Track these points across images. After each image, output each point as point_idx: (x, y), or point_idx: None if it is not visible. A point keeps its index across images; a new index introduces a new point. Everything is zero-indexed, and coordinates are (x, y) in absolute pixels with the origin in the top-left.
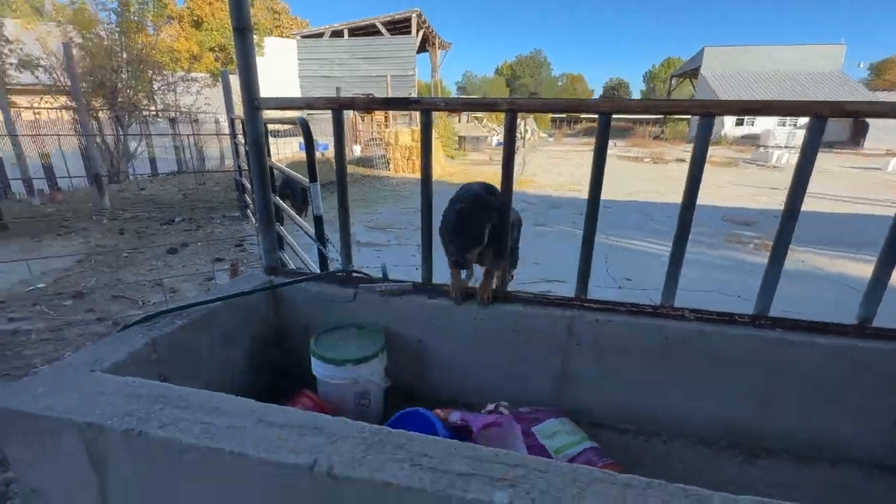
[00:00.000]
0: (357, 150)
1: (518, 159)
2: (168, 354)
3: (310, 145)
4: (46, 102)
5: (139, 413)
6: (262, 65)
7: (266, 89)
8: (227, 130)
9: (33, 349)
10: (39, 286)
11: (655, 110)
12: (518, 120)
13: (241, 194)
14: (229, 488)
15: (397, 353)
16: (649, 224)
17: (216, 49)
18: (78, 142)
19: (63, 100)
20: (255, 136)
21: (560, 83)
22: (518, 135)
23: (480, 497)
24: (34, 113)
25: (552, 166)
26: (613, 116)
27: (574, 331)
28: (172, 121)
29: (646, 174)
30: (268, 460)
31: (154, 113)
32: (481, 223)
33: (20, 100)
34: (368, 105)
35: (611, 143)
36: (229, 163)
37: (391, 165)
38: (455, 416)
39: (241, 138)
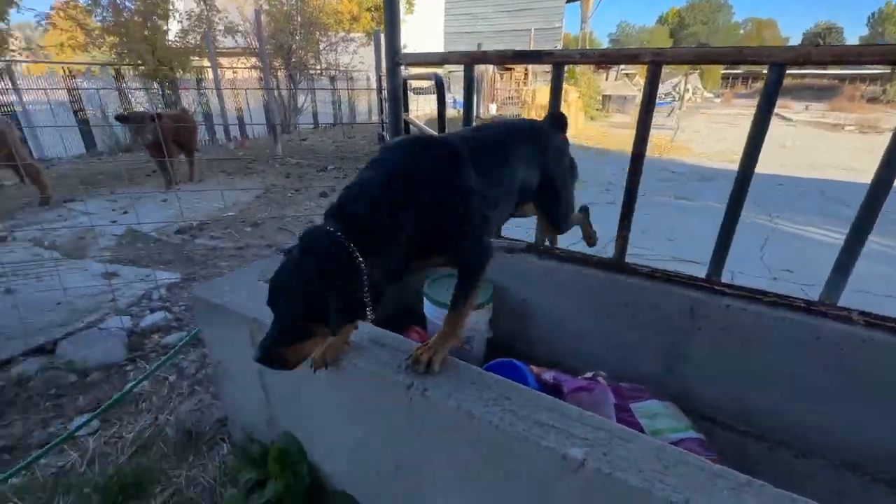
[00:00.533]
0: (493, 109)
1: (671, 122)
2: None
3: (441, 100)
4: (241, 63)
5: None
6: (413, 22)
7: (415, 47)
8: (375, 87)
9: (224, 262)
10: (230, 214)
11: (852, 58)
12: (678, 77)
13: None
14: (344, 388)
15: (503, 307)
16: (835, 208)
17: (372, 9)
18: (262, 97)
19: (253, 60)
20: (394, 91)
21: (742, 30)
22: (674, 94)
23: (556, 447)
24: (233, 72)
25: (713, 132)
26: (805, 71)
27: (697, 313)
28: (332, 78)
29: (847, 145)
30: (377, 372)
31: (318, 72)
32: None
33: (224, 61)
34: (500, 59)
35: (800, 105)
36: (376, 118)
37: None
38: (548, 375)
39: (386, 94)
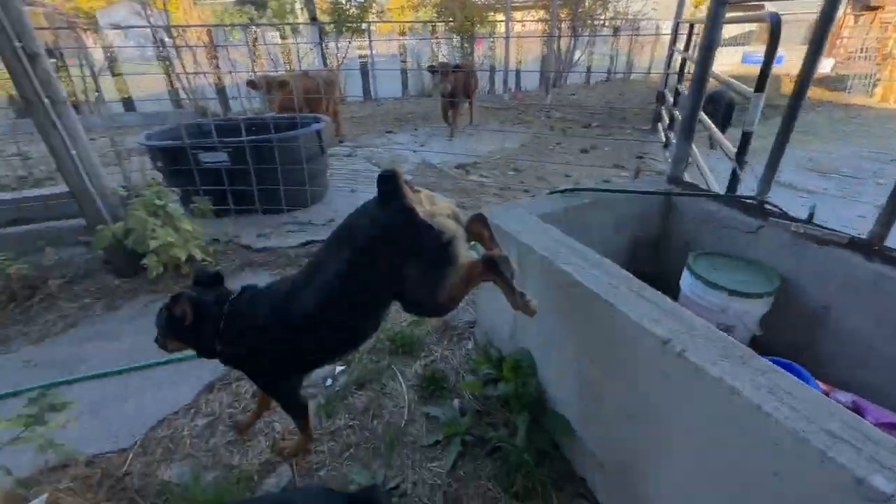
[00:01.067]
0: (826, 66)
1: None
2: (573, 219)
3: (773, 47)
4: (532, 16)
5: (552, 249)
6: None
7: None
8: (666, 38)
9: (489, 197)
10: (498, 157)
11: None
12: None
13: (659, 107)
14: (590, 327)
15: (789, 308)
16: None
17: None
18: (542, 49)
19: (542, 13)
20: (711, 37)
21: None
22: None
23: (848, 466)
24: (521, 25)
25: None
26: None
27: None
28: (616, 29)
29: None
30: (629, 317)
31: (602, 22)
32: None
33: (516, 14)
34: None
35: None
36: (655, 76)
37: (876, 90)
38: (844, 396)
39: (678, 46)
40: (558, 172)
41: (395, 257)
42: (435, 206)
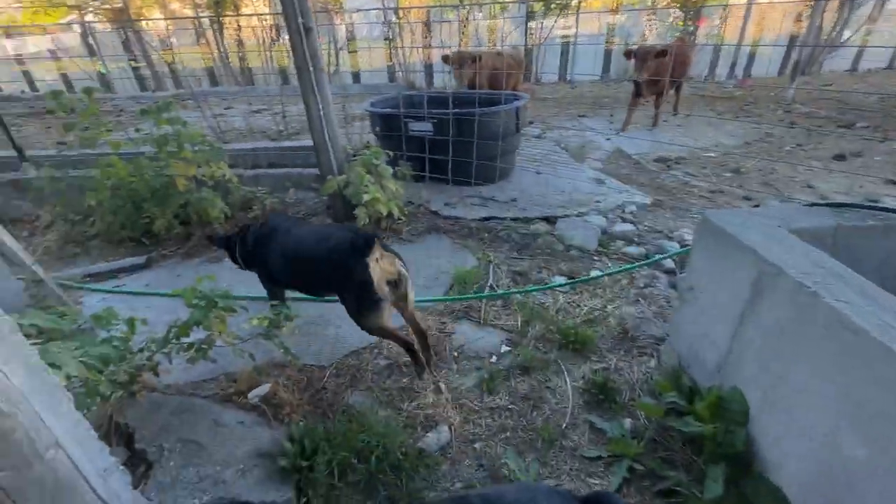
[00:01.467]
0: None
1: None
2: (839, 243)
3: None
4: None
5: (815, 276)
6: None
7: None
8: None
9: (694, 199)
10: (710, 154)
11: None
12: None
13: None
14: (876, 387)
15: None
16: None
17: None
18: (796, 25)
19: None
20: None
21: None
22: None
23: None
24: None
25: None
26: None
27: None
28: None
29: None
30: None
31: None
32: None
33: None
34: None
35: None
36: None
37: None
38: None
39: None
40: (795, 181)
41: (338, 276)
42: (387, 269)
